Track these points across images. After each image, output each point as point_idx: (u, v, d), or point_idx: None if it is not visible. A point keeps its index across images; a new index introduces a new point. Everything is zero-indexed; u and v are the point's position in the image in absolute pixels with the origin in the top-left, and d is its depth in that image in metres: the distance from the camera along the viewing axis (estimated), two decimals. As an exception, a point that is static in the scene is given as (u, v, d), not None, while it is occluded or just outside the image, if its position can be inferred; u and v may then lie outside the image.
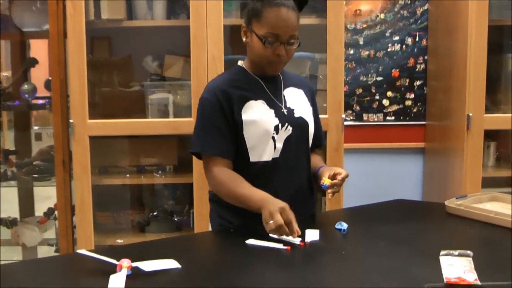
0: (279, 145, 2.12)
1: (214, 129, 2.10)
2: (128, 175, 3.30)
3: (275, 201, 1.91)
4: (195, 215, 3.04)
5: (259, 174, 2.11)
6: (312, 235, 1.91)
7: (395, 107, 3.81)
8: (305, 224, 1.96)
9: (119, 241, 3.17)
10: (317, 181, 2.19)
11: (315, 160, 2.32)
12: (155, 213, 3.37)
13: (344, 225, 1.99)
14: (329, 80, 3.05)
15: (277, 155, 2.13)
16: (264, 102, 2.14)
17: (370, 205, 2.38)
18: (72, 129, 2.96)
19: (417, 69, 3.78)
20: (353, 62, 3.75)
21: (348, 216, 2.32)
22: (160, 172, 3.31)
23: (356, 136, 3.79)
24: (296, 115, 2.18)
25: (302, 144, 2.21)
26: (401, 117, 3.82)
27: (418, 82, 3.79)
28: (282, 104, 2.17)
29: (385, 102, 3.80)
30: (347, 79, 3.74)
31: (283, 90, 2.21)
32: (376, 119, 3.81)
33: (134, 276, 1.55)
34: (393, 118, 3.82)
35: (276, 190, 2.05)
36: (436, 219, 2.20)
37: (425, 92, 3.80)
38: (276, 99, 2.17)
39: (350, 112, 3.78)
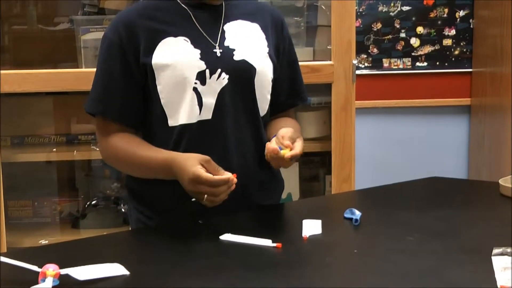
0: (209, 101, 2.08)
1: (108, 79, 2.12)
2: (54, 149, 3.30)
3: (184, 169, 1.91)
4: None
5: (179, 144, 2.08)
6: (313, 227, 1.92)
7: (428, 49, 3.82)
8: (260, 221, 2.01)
9: (43, 241, 3.17)
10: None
11: (280, 125, 2.18)
12: (93, 202, 3.37)
13: (356, 213, 2.00)
14: (335, 12, 3.03)
15: (207, 115, 2.08)
16: (187, 39, 2.10)
17: (394, 185, 2.40)
18: (-28, 83, 2.94)
19: (459, -5, 3.79)
20: (369, -15, 3.75)
21: (362, 201, 2.34)
22: (99, 143, 3.31)
23: (373, 90, 3.80)
24: (237, 57, 2.13)
25: (246, 101, 2.15)
26: (438, 63, 3.83)
27: (462, 13, 3.80)
28: (216, 43, 2.14)
29: (415, 41, 3.81)
30: (360, 9, 3.74)
31: (223, 24, 2.18)
32: (401, 66, 3.82)
33: (63, 287, 1.55)
34: (425, 64, 3.83)
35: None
36: (487, 204, 2.22)
37: (471, 26, 3.80)
38: (209, 36, 2.13)
39: (364, 56, 3.79)
